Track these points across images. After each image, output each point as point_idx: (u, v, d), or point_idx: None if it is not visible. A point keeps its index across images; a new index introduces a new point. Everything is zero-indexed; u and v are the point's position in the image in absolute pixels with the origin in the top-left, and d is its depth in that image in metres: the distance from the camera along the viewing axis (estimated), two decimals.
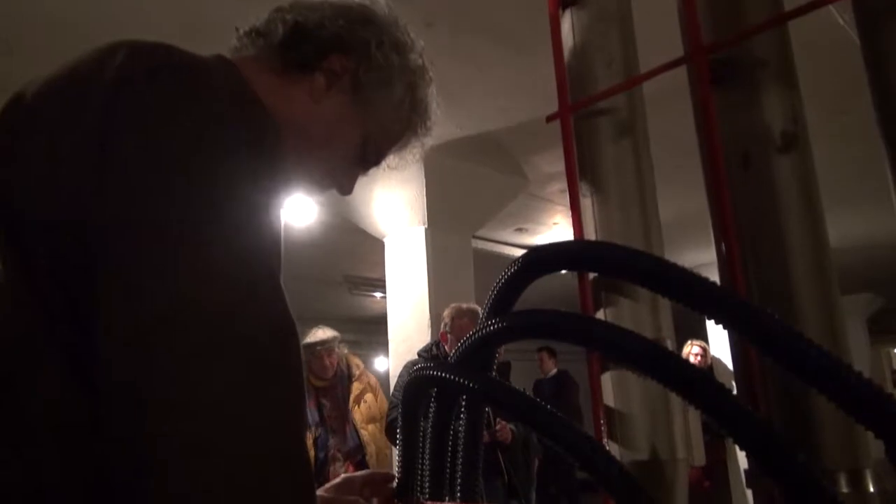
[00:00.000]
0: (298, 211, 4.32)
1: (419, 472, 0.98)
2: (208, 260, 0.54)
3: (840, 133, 3.52)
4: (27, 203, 0.57)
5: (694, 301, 0.66)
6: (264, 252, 0.59)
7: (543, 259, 0.87)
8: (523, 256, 0.90)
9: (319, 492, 0.94)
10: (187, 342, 0.51)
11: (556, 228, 5.65)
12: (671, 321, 0.91)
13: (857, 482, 0.69)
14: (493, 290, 0.94)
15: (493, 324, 0.90)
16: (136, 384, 0.50)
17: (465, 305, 3.16)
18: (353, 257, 6.17)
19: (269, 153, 0.64)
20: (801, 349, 0.60)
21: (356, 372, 3.74)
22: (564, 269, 0.87)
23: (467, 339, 0.93)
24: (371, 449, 3.51)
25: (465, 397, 0.97)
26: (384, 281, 4.25)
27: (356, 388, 3.66)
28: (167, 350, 0.50)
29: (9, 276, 0.56)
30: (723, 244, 0.79)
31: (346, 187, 0.89)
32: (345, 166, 0.86)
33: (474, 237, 4.47)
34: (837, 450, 0.70)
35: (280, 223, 0.65)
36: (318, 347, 3.60)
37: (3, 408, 0.55)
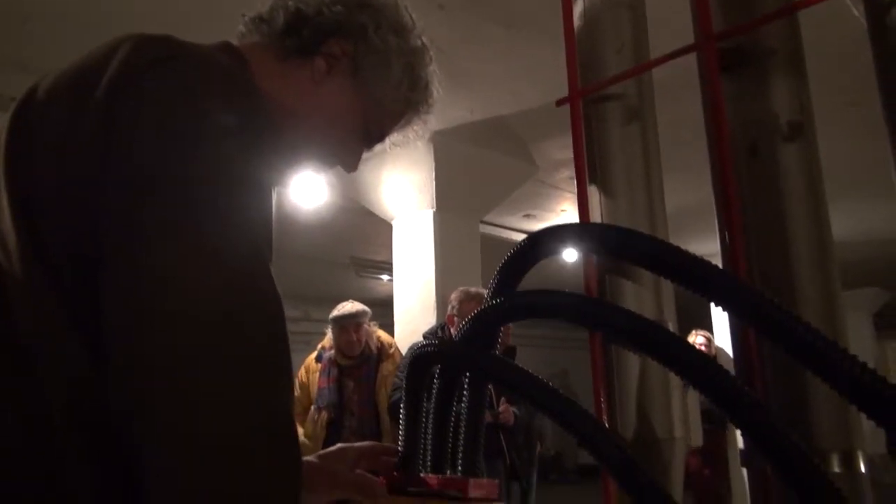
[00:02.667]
0: (308, 192, 4.33)
1: (422, 446, 1.01)
2: (202, 241, 0.58)
3: (852, 125, 3.51)
4: (42, 192, 0.61)
5: (692, 282, 0.68)
6: (255, 236, 0.62)
7: (548, 239, 0.89)
8: (529, 236, 0.92)
9: (311, 458, 0.95)
10: (180, 323, 0.55)
11: (564, 215, 5.66)
12: (673, 304, 0.93)
13: (849, 463, 0.70)
14: (498, 271, 0.96)
15: (496, 303, 0.92)
16: (134, 364, 0.55)
17: (472, 289, 3.18)
18: (361, 239, 6.20)
19: (262, 142, 0.67)
20: (795, 330, 0.61)
21: (389, 350, 3.49)
22: (568, 249, 0.89)
23: (471, 317, 0.95)
24: (389, 440, 3.19)
25: (468, 374, 0.99)
26: (391, 264, 4.26)
27: (386, 368, 3.41)
28: (161, 330, 0.55)
29: (25, 259, 0.60)
30: (726, 232, 0.80)
31: (350, 164, 0.92)
32: (348, 144, 0.90)
33: (482, 222, 4.48)
34: (831, 431, 0.71)
35: (271, 208, 0.68)
36: (346, 321, 3.39)
37: (22, 384, 0.59)
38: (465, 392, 0.99)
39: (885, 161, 0.81)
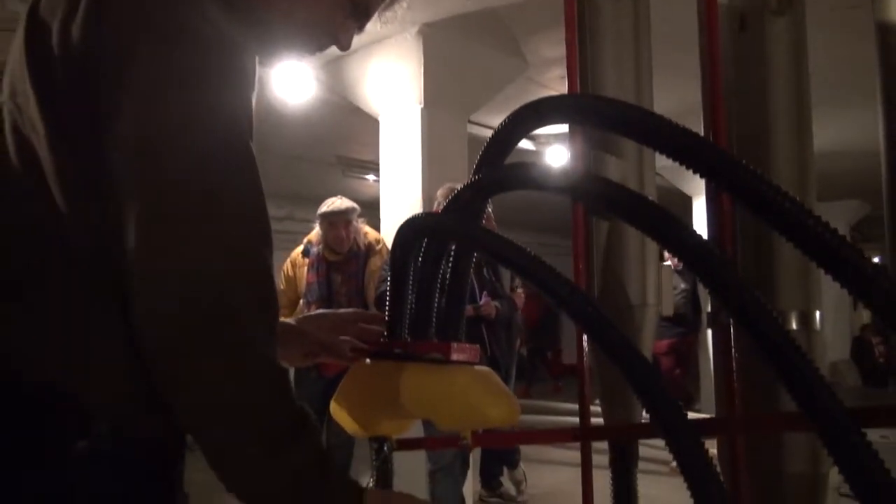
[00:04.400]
0: (294, 87, 4.23)
1: (407, 314, 1.05)
2: (183, 115, 0.66)
3: (849, 26, 3.44)
4: (54, 80, 0.69)
5: (667, 147, 0.70)
6: (234, 112, 0.70)
7: (527, 114, 0.91)
8: (509, 115, 0.94)
9: (290, 320, 1.01)
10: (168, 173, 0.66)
11: None
12: (654, 177, 0.95)
13: (806, 321, 0.76)
14: (482, 151, 0.98)
15: (482, 175, 0.94)
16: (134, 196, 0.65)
17: (458, 185, 3.18)
18: (348, 138, 6.12)
19: (247, 27, 0.73)
20: (765, 192, 0.64)
21: (377, 247, 3.55)
22: (549, 123, 0.91)
23: (455, 193, 0.98)
24: None
25: (454, 246, 1.02)
26: (377, 164, 4.23)
27: (374, 263, 3.48)
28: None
29: (48, 136, 0.69)
30: (708, 97, 0.81)
31: (342, 41, 0.94)
32: (338, 21, 0.90)
33: (469, 122, 4.43)
34: (791, 292, 0.76)
35: (251, 96, 0.74)
36: (335, 218, 3.44)
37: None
38: (450, 262, 1.03)
39: (868, 69, 0.81)
